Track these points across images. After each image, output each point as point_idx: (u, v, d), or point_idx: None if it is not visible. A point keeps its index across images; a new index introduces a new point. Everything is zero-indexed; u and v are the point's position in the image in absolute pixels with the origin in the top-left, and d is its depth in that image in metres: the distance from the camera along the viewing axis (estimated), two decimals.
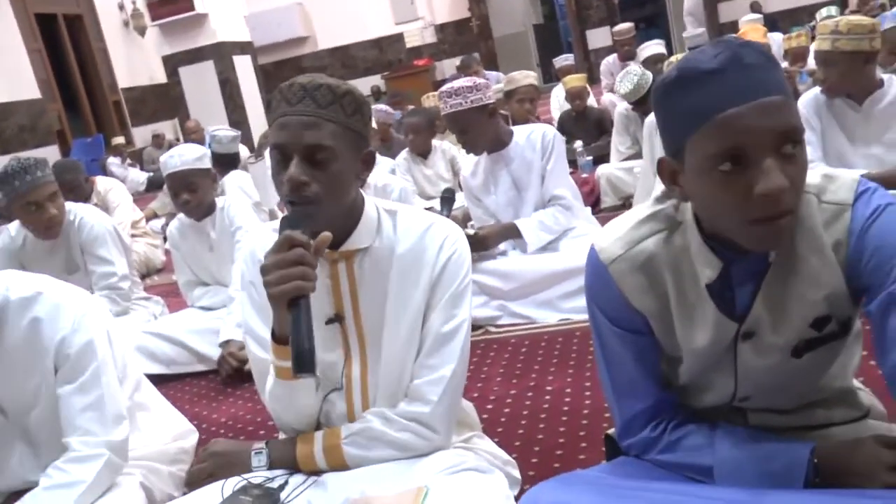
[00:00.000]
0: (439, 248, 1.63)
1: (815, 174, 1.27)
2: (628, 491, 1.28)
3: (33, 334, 1.85)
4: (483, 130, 3.28)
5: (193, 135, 10.49)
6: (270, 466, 1.66)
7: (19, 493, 1.88)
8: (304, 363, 1.42)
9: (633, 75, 4.89)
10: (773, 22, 12.57)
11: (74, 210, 3.58)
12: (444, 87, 3.32)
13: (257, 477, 1.63)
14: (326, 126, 1.49)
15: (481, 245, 3.35)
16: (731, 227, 1.18)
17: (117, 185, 5.97)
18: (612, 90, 7.62)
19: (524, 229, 3.37)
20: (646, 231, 1.33)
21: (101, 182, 5.86)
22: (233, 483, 1.61)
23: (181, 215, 3.58)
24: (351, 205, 1.60)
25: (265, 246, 1.60)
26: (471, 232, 3.37)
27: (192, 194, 3.36)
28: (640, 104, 4.91)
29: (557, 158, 3.40)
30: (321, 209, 1.51)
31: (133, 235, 5.81)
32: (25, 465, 1.96)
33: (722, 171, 1.13)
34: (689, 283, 1.30)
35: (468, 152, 3.42)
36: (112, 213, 5.53)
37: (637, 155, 4.93)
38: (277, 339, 1.54)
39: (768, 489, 1.22)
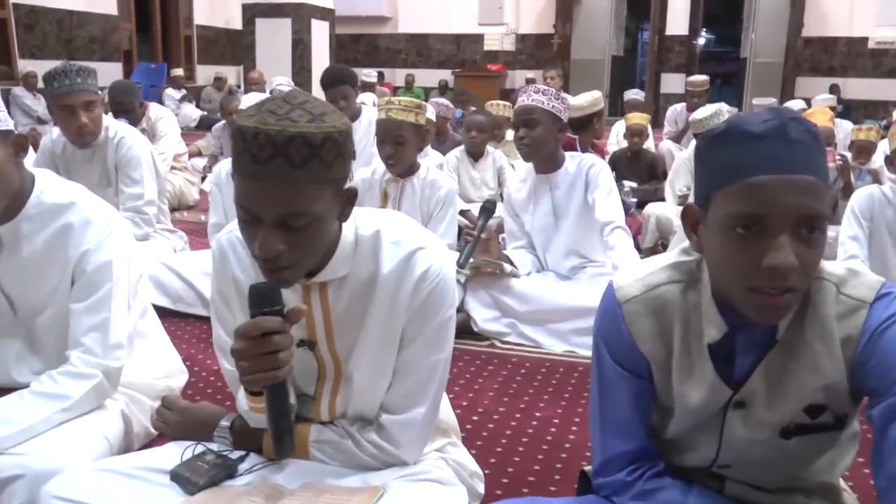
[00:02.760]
0: (421, 278, 1.49)
1: (840, 266, 1.27)
2: None
3: (60, 242, 1.88)
4: (548, 137, 3.26)
5: (255, 85, 10.59)
6: (234, 448, 1.65)
7: (4, 390, 1.91)
8: (283, 450, 1.38)
9: (716, 106, 4.91)
10: (847, 110, 12.45)
11: (116, 128, 3.68)
12: (534, 84, 3.34)
13: (219, 444, 1.64)
14: (303, 189, 1.27)
15: None
16: (734, 289, 1.18)
17: (169, 115, 6.04)
18: (672, 138, 7.57)
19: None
20: (665, 278, 1.33)
21: (153, 109, 5.94)
22: (193, 446, 1.61)
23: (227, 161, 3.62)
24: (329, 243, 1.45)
25: (235, 248, 1.55)
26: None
27: None
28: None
29: (606, 187, 3.32)
30: (296, 273, 1.37)
31: (173, 168, 5.91)
32: (20, 364, 1.98)
33: (738, 234, 1.14)
34: (694, 340, 1.30)
35: (522, 150, 3.35)
36: (158, 141, 5.61)
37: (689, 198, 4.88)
38: (252, 392, 1.43)
39: None
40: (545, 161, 3.37)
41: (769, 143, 1.12)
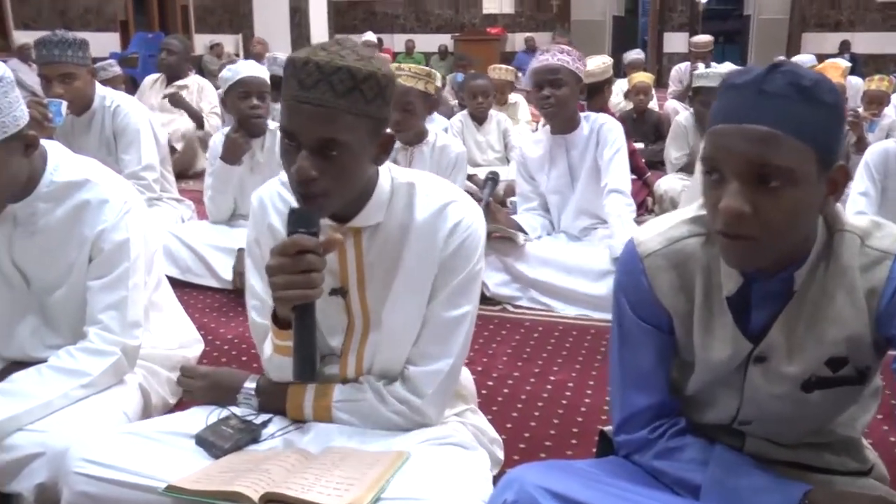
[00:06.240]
0: (452, 230, 1.53)
1: (864, 219, 1.28)
2: (613, 489, 1.26)
3: (76, 219, 1.86)
4: (571, 98, 3.27)
5: (258, 46, 10.56)
6: (258, 411, 1.65)
7: (18, 365, 1.90)
8: (305, 374, 1.39)
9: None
10: (855, 64, 12.30)
11: (112, 97, 3.71)
12: (557, 45, 3.42)
13: (244, 408, 1.65)
14: (342, 118, 1.34)
15: None
16: (713, 230, 1.20)
17: (209, 86, 6.20)
18: (677, 97, 7.51)
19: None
20: (686, 231, 1.33)
21: (194, 77, 6.23)
22: (218, 411, 1.62)
23: (228, 129, 3.58)
24: (364, 185, 1.49)
25: (274, 201, 1.61)
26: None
27: (264, 101, 3.48)
28: (708, 97, 4.72)
29: (614, 146, 3.32)
30: (329, 202, 1.41)
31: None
32: (34, 339, 1.96)
33: (708, 178, 1.17)
34: (715, 292, 1.30)
35: (546, 110, 3.30)
36: (209, 117, 5.95)
37: (688, 165, 4.79)
38: (280, 323, 1.50)
39: None
40: (565, 121, 3.35)
41: (738, 94, 1.13)
